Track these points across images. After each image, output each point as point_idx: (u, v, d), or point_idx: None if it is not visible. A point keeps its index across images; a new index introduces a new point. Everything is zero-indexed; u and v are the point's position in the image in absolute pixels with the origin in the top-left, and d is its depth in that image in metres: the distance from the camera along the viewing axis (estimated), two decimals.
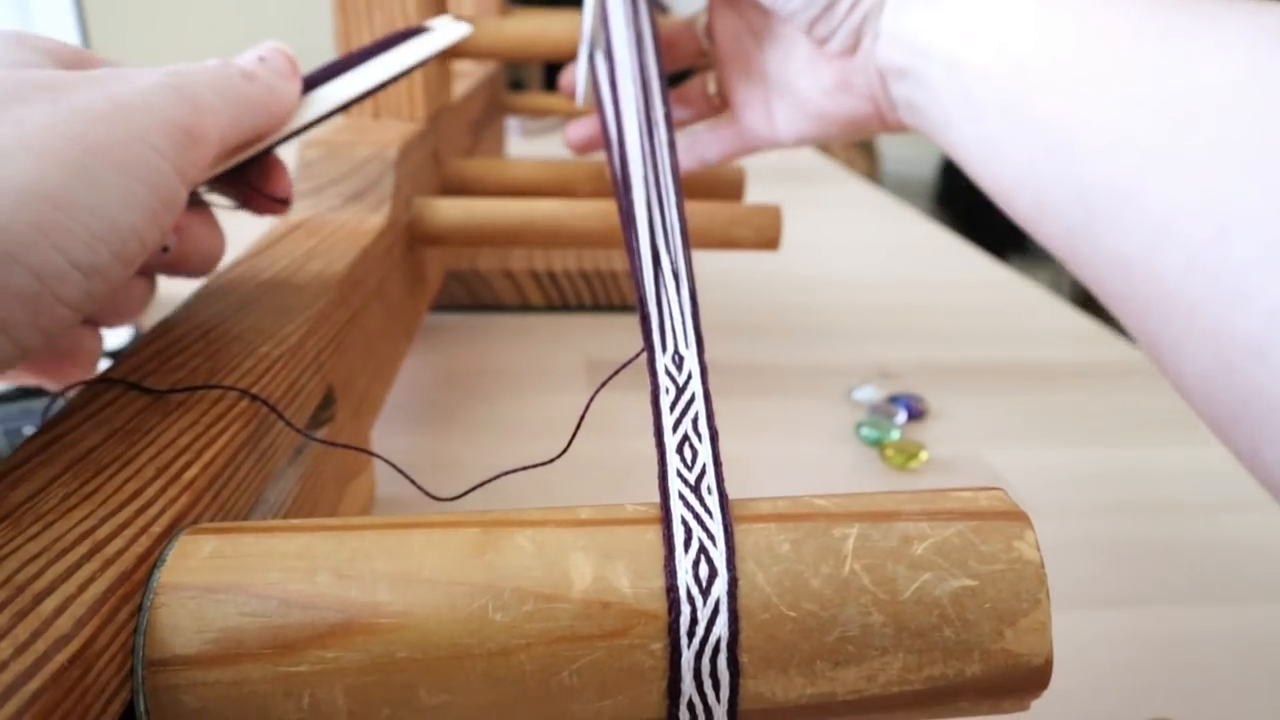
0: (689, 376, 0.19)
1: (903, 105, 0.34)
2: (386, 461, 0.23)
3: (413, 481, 0.22)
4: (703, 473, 0.17)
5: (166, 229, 0.20)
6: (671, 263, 0.22)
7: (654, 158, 0.25)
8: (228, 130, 0.22)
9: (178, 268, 0.25)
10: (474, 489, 0.22)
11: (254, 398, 0.21)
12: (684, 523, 0.16)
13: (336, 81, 0.29)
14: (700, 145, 0.43)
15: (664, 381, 0.19)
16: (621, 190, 0.24)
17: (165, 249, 0.24)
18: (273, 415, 0.23)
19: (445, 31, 0.36)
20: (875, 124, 0.37)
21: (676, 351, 0.20)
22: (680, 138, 0.43)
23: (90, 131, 0.17)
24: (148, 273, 0.25)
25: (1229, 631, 0.31)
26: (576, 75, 0.40)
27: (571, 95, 0.43)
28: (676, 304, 0.21)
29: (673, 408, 0.19)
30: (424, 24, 0.35)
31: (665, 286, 0.21)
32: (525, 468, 0.21)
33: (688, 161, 0.43)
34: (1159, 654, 0.30)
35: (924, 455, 0.40)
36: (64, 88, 0.18)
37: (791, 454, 0.41)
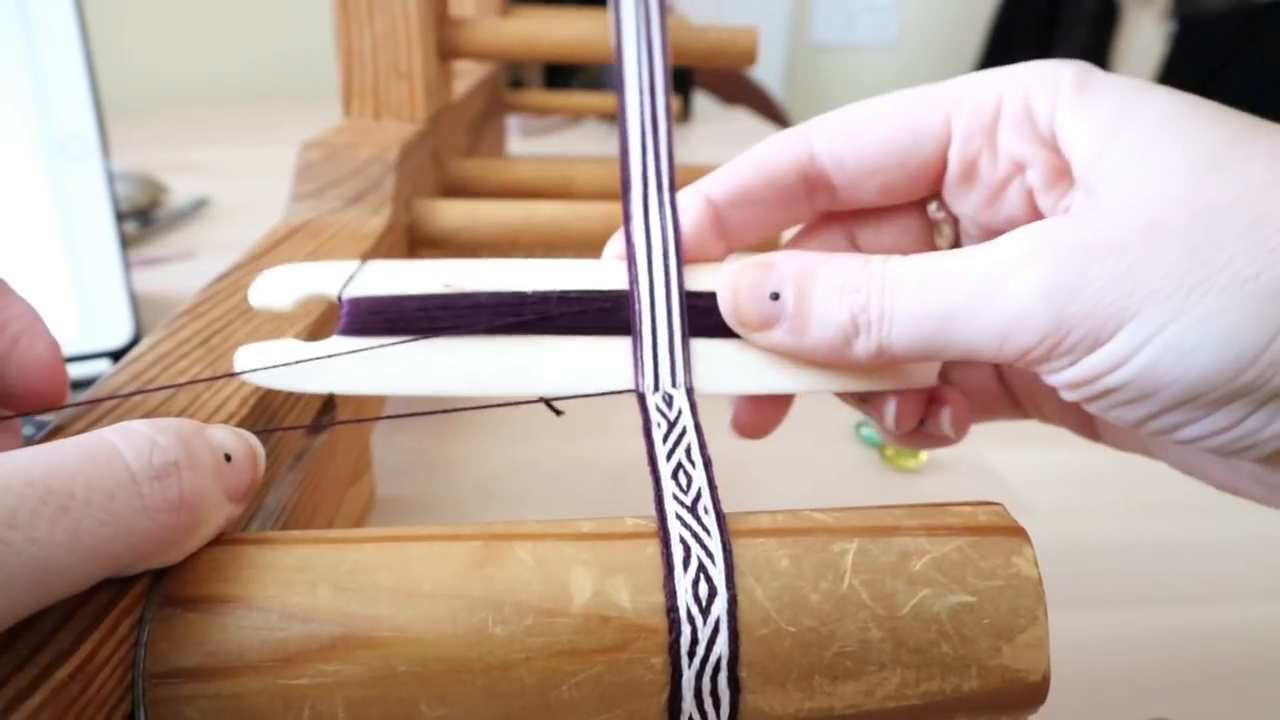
0: (679, 413, 0.20)
1: None
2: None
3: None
4: (698, 496, 0.17)
5: None
6: (667, 303, 0.22)
7: (657, 165, 0.25)
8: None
9: None
10: None
11: None
12: (682, 541, 0.16)
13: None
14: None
15: (655, 417, 0.20)
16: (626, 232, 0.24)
17: None
18: (272, 424, 0.23)
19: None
20: None
21: (666, 392, 0.20)
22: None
23: None
24: None
25: (1229, 631, 0.31)
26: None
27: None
28: (666, 341, 0.21)
29: (665, 439, 0.19)
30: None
31: (658, 325, 0.21)
32: None
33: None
34: (1159, 654, 0.30)
35: (924, 455, 0.40)
36: None
37: (791, 454, 0.41)
